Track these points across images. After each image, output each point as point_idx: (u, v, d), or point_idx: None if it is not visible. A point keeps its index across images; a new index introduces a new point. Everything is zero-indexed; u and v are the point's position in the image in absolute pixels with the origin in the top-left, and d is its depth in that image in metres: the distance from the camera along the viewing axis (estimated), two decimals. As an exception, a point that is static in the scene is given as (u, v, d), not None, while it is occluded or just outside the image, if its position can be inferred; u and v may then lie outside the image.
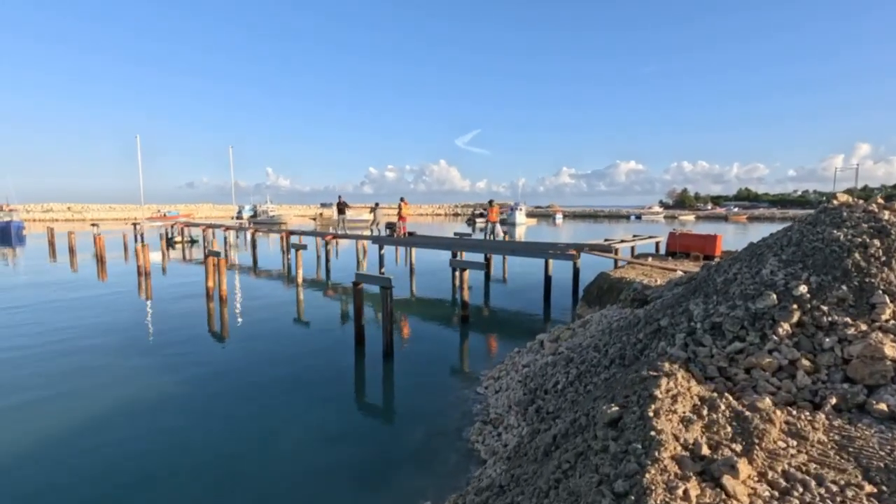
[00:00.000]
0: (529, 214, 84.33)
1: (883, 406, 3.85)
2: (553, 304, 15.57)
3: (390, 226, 23.18)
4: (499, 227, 20.62)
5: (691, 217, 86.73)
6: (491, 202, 21.49)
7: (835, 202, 5.76)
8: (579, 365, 6.50)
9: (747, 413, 3.73)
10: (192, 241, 38.00)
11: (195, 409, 8.12)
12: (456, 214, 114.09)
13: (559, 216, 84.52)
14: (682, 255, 15.46)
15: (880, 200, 5.60)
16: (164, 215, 70.82)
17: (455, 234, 25.13)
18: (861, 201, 5.68)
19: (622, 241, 18.69)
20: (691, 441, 3.35)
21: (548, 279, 15.57)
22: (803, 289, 4.85)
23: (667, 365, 4.73)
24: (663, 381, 4.15)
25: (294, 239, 28.63)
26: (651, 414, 3.61)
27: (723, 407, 3.86)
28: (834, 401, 4.02)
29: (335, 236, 24.36)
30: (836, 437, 3.55)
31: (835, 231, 5.25)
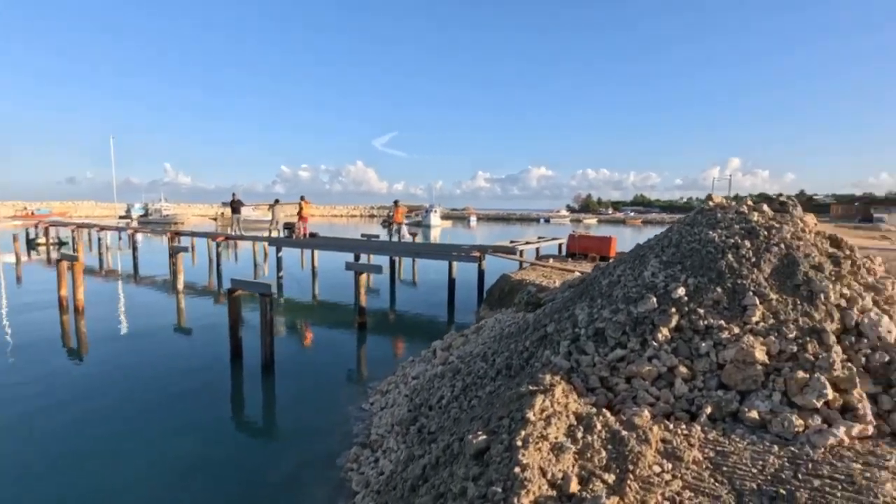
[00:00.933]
0: (445, 217, 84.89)
1: (754, 414, 3.68)
2: (460, 308, 15.20)
3: (289, 226, 21.55)
4: (405, 229, 19.97)
5: (594, 220, 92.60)
6: (396, 203, 20.75)
7: (710, 203, 5.80)
8: (465, 376, 5.98)
9: (623, 433, 3.36)
10: (61, 243, 33.00)
11: (30, 439, 6.55)
12: (372, 216, 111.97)
13: (474, 218, 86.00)
14: (580, 256, 15.86)
15: (750, 202, 5.70)
16: (32, 213, 61.47)
17: (362, 235, 24.08)
18: (734, 203, 5.76)
19: (527, 243, 18.89)
20: (560, 475, 2.86)
21: (452, 282, 15.17)
22: (681, 291, 4.69)
23: (548, 377, 4.30)
24: (538, 399, 3.68)
25: (185, 240, 25.81)
26: (519, 443, 3.09)
27: (599, 426, 3.46)
28: (709, 410, 3.81)
29: (227, 237, 22.18)
30: (711, 454, 3.27)
31: (710, 232, 5.22)
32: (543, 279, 12.31)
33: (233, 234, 22.98)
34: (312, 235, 21.06)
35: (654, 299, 4.75)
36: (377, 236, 23.02)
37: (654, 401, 4.05)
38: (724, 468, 3.09)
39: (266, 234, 24.34)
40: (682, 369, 4.16)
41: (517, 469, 2.80)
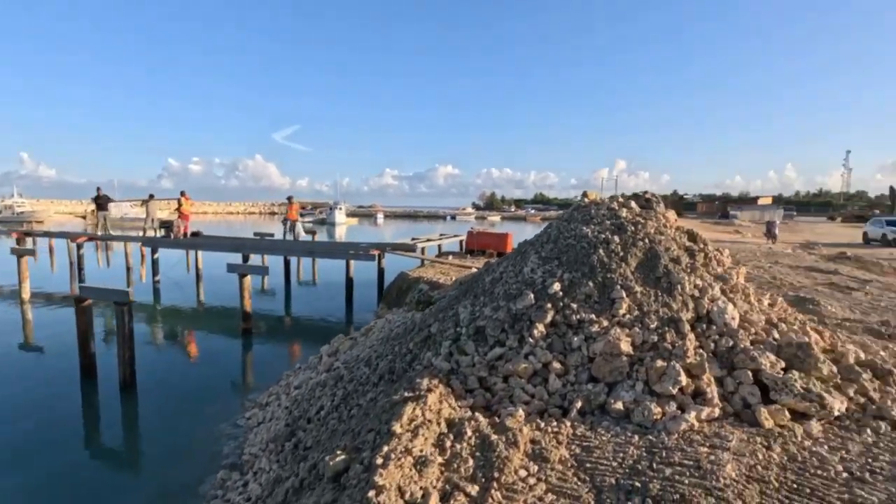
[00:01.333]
0: (351, 214, 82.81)
1: (619, 405, 3.77)
2: (360, 309, 14.67)
3: (166, 225, 19.34)
4: (300, 227, 18.89)
5: (498, 217, 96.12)
6: (290, 199, 19.55)
7: (586, 200, 6.03)
8: (347, 384, 5.60)
9: (493, 437, 3.23)
10: None
11: None
12: (273, 213, 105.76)
13: (380, 216, 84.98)
14: (479, 252, 16.13)
15: (621, 199, 6.00)
16: None
17: (255, 234, 22.44)
18: (606, 199, 6.04)
19: (428, 241, 18.83)
20: (420, 493, 2.63)
21: (349, 282, 14.60)
22: (557, 286, 4.74)
23: (425, 382, 4.09)
24: (408, 409, 3.44)
25: (42, 242, 22.15)
26: (379, 461, 2.82)
27: (469, 433, 3.30)
28: (579, 404, 3.84)
29: (90, 238, 19.38)
30: (578, 451, 3.26)
31: (584, 228, 5.38)
32: (441, 276, 12.26)
33: (98, 234, 20.13)
34: (195, 234, 19.11)
35: (532, 295, 4.76)
36: (272, 235, 21.57)
37: (529, 399, 4.02)
38: (588, 464, 3.08)
39: (140, 233, 21.68)
40: (556, 365, 4.18)
41: (371, 493, 2.52)
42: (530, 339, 4.38)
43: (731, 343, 4.24)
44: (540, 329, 4.43)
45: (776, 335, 4.48)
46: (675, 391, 3.79)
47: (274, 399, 7.11)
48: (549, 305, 4.59)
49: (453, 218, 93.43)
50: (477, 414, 3.62)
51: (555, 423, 3.65)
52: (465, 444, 3.17)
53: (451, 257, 16.14)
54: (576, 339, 4.31)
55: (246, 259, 16.75)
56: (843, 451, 3.27)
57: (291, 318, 15.05)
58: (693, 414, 3.58)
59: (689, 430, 3.46)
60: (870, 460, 3.15)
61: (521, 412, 3.78)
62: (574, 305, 4.56)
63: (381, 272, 15.47)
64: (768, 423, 3.54)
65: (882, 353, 5.61)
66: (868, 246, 23.80)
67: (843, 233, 34.21)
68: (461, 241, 20.65)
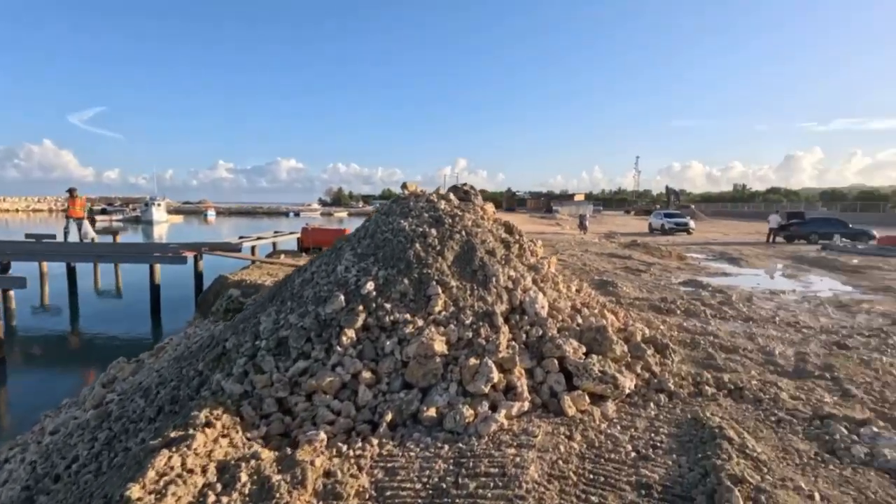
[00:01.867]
0: (174, 211, 72.56)
1: (432, 411, 3.47)
2: (174, 321, 12.45)
3: None
4: (87, 226, 15.43)
5: (345, 213, 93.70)
6: (71, 191, 15.79)
7: (405, 192, 5.73)
8: (115, 422, 4.39)
9: (275, 479, 2.62)
10: None
11: None
12: (65, 210, 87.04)
13: (212, 212, 76.01)
14: (315, 250, 15.09)
15: (441, 192, 5.84)
16: None
17: (27, 235, 17.79)
18: (427, 191, 5.82)
19: (259, 239, 17.07)
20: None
21: (156, 289, 12.34)
22: (371, 286, 4.29)
23: (203, 414, 3.27)
24: (159, 459, 2.62)
25: None
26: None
27: (244, 478, 2.63)
28: (389, 417, 3.44)
29: None
30: (381, 475, 2.84)
31: (402, 221, 5.05)
32: (269, 278, 11.02)
33: None
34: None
35: (343, 297, 4.23)
36: (53, 236, 17.29)
37: (334, 417, 3.49)
38: (389, 492, 2.67)
39: None
40: (367, 374, 3.72)
41: None
42: (338, 348, 3.85)
43: (540, 332, 4.29)
44: (350, 335, 3.93)
45: (580, 320, 4.70)
46: (487, 389, 3.64)
47: (18, 452, 5.36)
48: (360, 307, 4.11)
49: (297, 215, 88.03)
50: (260, 450, 2.95)
51: (360, 444, 3.18)
52: (236, 496, 2.50)
53: (283, 256, 14.79)
54: (389, 342, 3.91)
55: (6, 268, 13.01)
56: (633, 429, 3.44)
57: (77, 339, 12.16)
58: (503, 412, 3.45)
59: (499, 431, 3.31)
60: (653, 435, 3.35)
61: (323, 435, 3.23)
62: (388, 305, 4.16)
63: (198, 277, 13.43)
64: (571, 411, 3.59)
65: (662, 326, 6.46)
66: (652, 235, 28.82)
67: (636, 224, 41.09)
68: (298, 239, 19.23)
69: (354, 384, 3.69)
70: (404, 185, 5.83)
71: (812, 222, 23.63)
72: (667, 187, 66.85)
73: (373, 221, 5.34)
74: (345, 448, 3.11)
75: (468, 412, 3.40)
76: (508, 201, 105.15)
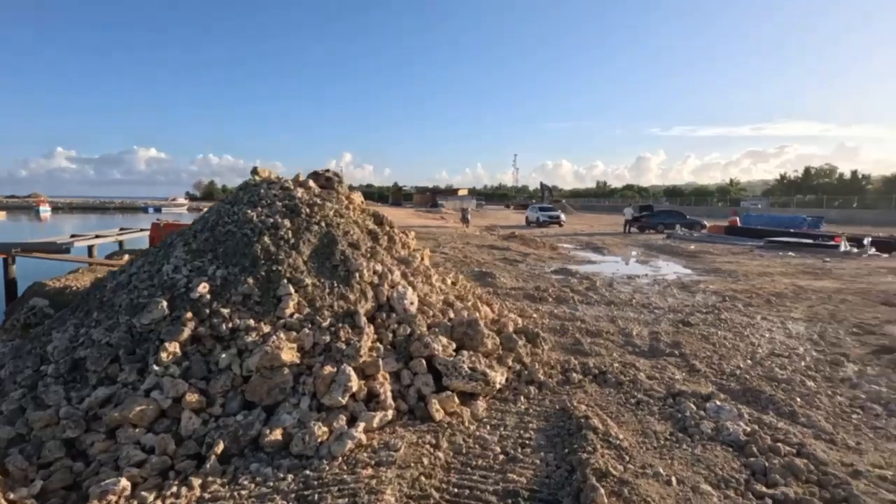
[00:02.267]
0: (-10, 206, 59.88)
1: (277, 433, 2.91)
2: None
3: None
4: None
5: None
6: None
7: (256, 178, 4.98)
8: None
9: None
10: None
11: None
12: None
13: (45, 208, 64.10)
14: (170, 249, 13.19)
15: (301, 178, 5.19)
16: None
17: None
18: (282, 178, 5.12)
19: (98, 237, 14.49)
20: None
21: (-59, 303, 9.70)
22: (204, 288, 3.56)
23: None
24: None
25: None
26: None
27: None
28: (221, 447, 2.81)
29: None
30: (197, 529, 2.22)
31: (250, 211, 4.34)
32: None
33: None
34: None
35: (165, 304, 3.44)
36: None
37: (145, 456, 2.75)
38: (204, 552, 2.09)
39: None
40: (194, 396, 3.03)
41: None
42: (156, 367, 3.08)
43: (409, 330, 3.93)
44: (172, 350, 3.18)
45: (452, 315, 4.44)
46: (345, 400, 3.17)
47: None
48: (189, 315, 3.37)
49: (158, 210, 78.01)
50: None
51: (175, 489, 2.51)
52: None
53: (126, 257, 12.66)
54: (225, 355, 3.24)
55: None
56: (502, 428, 3.24)
57: None
58: (363, 425, 3.01)
59: (356, 449, 2.87)
60: (522, 432, 3.18)
61: (125, 483, 2.50)
62: (226, 311, 3.47)
63: (10, 284, 10.92)
64: (439, 415, 3.28)
65: (534, 315, 6.57)
66: (528, 227, 30.60)
67: (515, 217, 43.44)
68: (151, 236, 16.74)
69: (176, 410, 2.97)
70: (255, 170, 5.06)
71: (659, 214, 26.93)
72: (541, 183, 71.84)
73: (214, 212, 4.53)
74: (151, 498, 2.42)
75: (320, 430, 2.90)
76: (395, 196, 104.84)
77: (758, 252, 15.54)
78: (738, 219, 23.48)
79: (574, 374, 4.08)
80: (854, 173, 57.75)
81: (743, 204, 52.48)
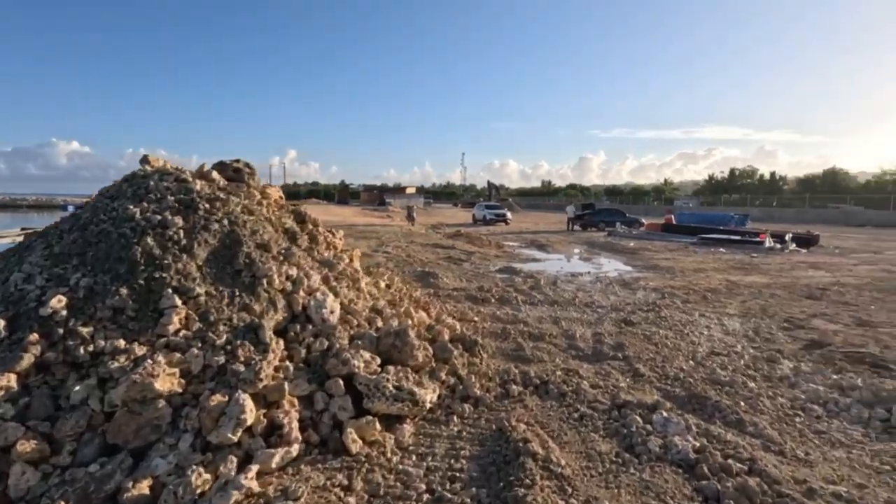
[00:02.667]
0: None
1: (144, 486, 2.31)
2: None
3: None
4: None
5: (148, 207, 79.75)
6: None
7: (147, 168, 4.24)
8: None
9: None
10: None
11: None
12: None
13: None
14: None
15: (205, 169, 4.49)
16: None
17: None
18: (180, 168, 4.39)
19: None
20: None
21: None
22: (59, 301, 2.86)
23: None
24: None
25: None
26: None
27: None
28: (63, 511, 2.16)
29: None
30: None
31: (132, 207, 3.62)
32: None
33: None
34: None
35: (4, 323, 2.71)
36: None
37: (-49, 532, 2.07)
38: None
39: None
40: (30, 444, 2.35)
41: None
42: (-22, 409, 2.38)
43: (326, 344, 3.40)
44: (5, 384, 2.48)
45: (380, 323, 3.95)
46: (237, 436, 2.60)
47: None
48: (34, 337, 2.67)
49: (80, 208, 71.58)
50: None
51: (-18, 580, 1.87)
52: None
53: None
54: (80, 387, 2.58)
55: None
56: (430, 458, 2.79)
57: None
58: (255, 468, 2.46)
59: (245, 500, 2.32)
60: (452, 461, 2.75)
61: None
62: (86, 330, 2.79)
63: None
64: (356, 446, 2.79)
65: (476, 318, 6.19)
66: (475, 225, 30.52)
67: (462, 216, 43.35)
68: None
69: (2, 464, 2.29)
70: (144, 159, 4.30)
71: (600, 212, 27.67)
72: (488, 182, 72.41)
73: (90, 208, 3.77)
74: None
75: (200, 479, 2.32)
76: (341, 194, 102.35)
77: (692, 248, 16.11)
78: (673, 217, 24.47)
79: (514, 387, 3.71)
80: (773, 175, 62.55)
81: (676, 203, 55.41)
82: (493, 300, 7.55)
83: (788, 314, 7.09)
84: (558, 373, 4.11)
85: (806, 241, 16.61)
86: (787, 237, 16.48)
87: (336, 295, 3.88)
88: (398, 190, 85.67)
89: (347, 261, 4.67)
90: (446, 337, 4.18)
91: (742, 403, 3.69)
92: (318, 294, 3.70)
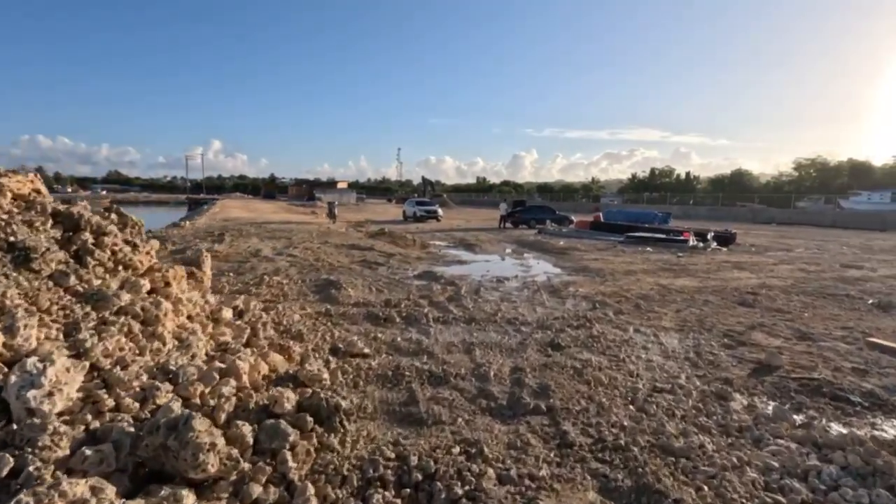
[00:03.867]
0: None
1: None
2: None
3: None
4: None
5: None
6: None
7: None
8: None
9: None
10: None
11: None
12: None
13: None
14: None
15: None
16: None
17: None
18: None
19: None
20: None
21: None
22: None
23: None
24: None
25: None
26: None
27: None
28: None
29: None
30: None
31: None
32: None
33: None
34: None
35: None
36: None
37: None
38: None
39: None
40: None
41: None
42: None
43: (26, 461, 1.86)
44: None
45: (163, 394, 2.44)
46: None
47: None
48: None
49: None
50: None
51: None
52: None
53: None
54: None
55: None
56: None
57: None
58: None
59: None
60: None
61: None
62: None
63: None
64: None
65: (366, 350, 4.81)
66: (406, 222, 29.03)
67: (394, 212, 41.61)
68: None
69: None
70: None
71: (531, 210, 27.14)
72: (422, 178, 71.01)
73: None
74: None
75: None
76: (267, 188, 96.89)
77: (620, 248, 15.71)
78: (601, 214, 24.43)
79: (377, 496, 2.36)
80: (688, 174, 66.53)
81: (602, 200, 57.35)
82: (398, 319, 6.20)
83: (726, 326, 6.36)
84: (455, 451, 2.83)
85: (725, 240, 16.81)
86: (709, 236, 16.57)
87: (83, 354, 2.33)
88: (329, 184, 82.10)
89: (150, 287, 3.10)
90: (289, 405, 2.76)
91: (706, 490, 2.61)
92: (32, 361, 2.13)
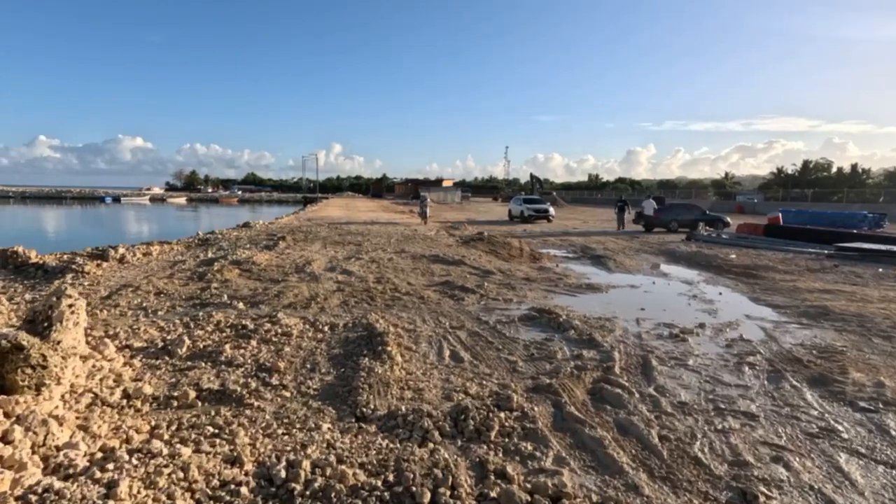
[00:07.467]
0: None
1: None
2: None
3: None
4: None
5: (182, 200, 79.45)
6: None
7: None
8: None
9: None
10: None
11: None
12: None
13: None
14: None
15: None
16: None
17: None
18: None
19: None
20: None
21: None
22: None
23: None
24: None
25: None
26: None
27: None
28: None
29: None
30: None
31: None
32: None
33: None
34: None
35: None
36: None
37: None
38: None
39: None
40: None
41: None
42: None
43: None
44: None
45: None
46: None
47: None
48: None
49: (116, 200, 71.08)
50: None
51: None
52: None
53: None
54: None
55: None
56: None
57: None
58: None
59: None
60: None
61: None
62: None
63: None
64: None
65: None
66: (512, 222, 25.09)
67: (500, 210, 37.81)
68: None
69: None
70: None
71: (671, 208, 21.36)
72: (531, 174, 66.10)
73: None
74: None
75: None
76: (375, 187, 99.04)
77: (841, 267, 10.20)
78: (780, 216, 18.06)
79: None
80: (854, 167, 52.96)
81: (738, 198, 47.81)
82: (492, 439, 2.44)
83: None
84: None
85: None
86: None
87: None
88: (433, 183, 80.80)
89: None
90: None
91: None
92: None
